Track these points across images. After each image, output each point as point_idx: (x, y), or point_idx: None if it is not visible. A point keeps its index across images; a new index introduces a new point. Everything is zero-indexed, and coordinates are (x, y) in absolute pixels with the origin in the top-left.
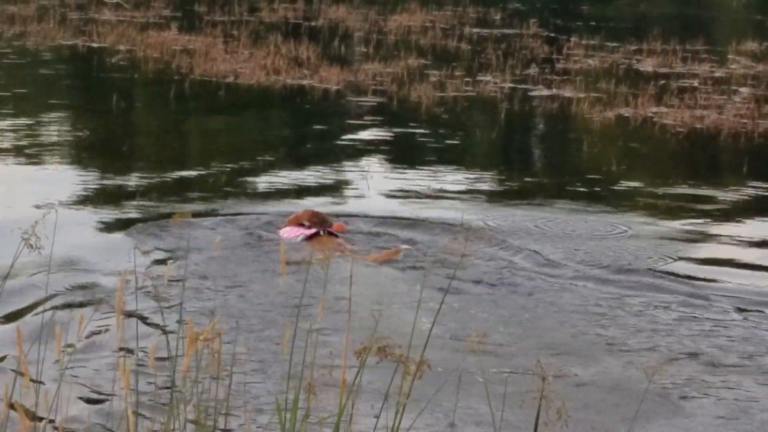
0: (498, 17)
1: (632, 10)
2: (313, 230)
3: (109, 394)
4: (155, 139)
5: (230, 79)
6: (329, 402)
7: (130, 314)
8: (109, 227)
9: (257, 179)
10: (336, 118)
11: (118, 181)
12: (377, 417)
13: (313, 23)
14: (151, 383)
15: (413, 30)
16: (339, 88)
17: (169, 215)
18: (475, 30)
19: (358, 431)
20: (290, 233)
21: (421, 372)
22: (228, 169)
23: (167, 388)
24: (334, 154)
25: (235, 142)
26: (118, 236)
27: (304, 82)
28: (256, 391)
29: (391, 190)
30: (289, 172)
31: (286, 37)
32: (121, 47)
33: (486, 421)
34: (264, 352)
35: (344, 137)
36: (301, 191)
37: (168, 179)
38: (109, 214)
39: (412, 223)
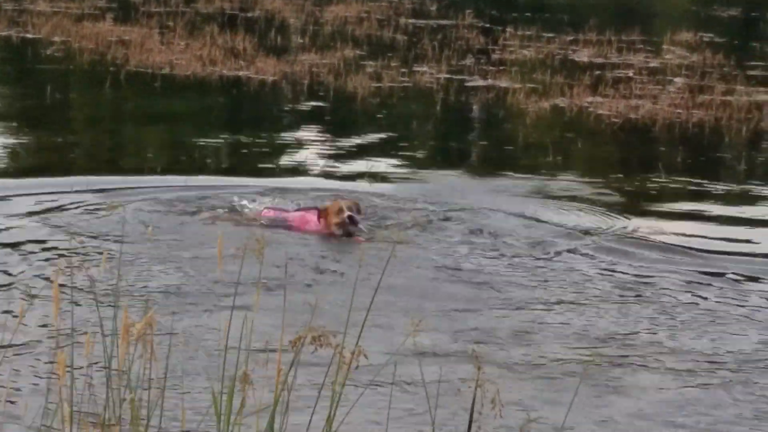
0: (434, 8)
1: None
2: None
3: (44, 387)
4: (90, 130)
5: (166, 70)
6: (266, 391)
7: (66, 302)
8: (45, 216)
9: (193, 168)
10: (272, 108)
11: (54, 170)
12: (313, 407)
13: (249, 14)
14: (86, 374)
15: (349, 21)
16: (275, 79)
17: (103, 204)
18: (410, 21)
19: (293, 421)
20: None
21: (357, 362)
22: (163, 158)
23: (102, 379)
24: (270, 144)
25: (170, 132)
26: (53, 225)
27: (241, 73)
28: (192, 381)
29: (329, 178)
30: (224, 163)
31: (223, 28)
32: (56, 38)
33: (422, 411)
34: (201, 340)
35: (280, 127)
36: (237, 178)
37: (103, 168)
38: (45, 202)
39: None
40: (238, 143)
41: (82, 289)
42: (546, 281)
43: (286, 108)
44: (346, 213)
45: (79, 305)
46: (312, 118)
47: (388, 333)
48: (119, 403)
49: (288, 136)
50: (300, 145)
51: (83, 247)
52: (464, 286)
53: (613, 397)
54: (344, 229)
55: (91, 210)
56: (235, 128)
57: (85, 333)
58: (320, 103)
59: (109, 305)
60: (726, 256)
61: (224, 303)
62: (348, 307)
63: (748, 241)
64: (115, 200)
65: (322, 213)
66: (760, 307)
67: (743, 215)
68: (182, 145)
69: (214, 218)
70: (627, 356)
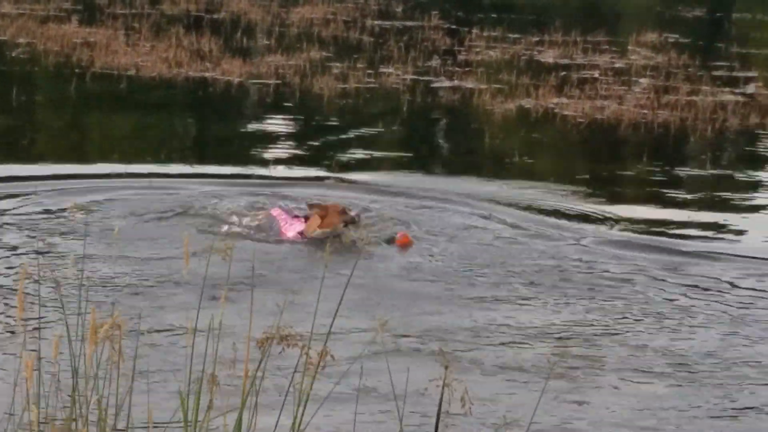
0: (400, 9)
1: (534, 1)
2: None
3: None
4: (55, 132)
5: (131, 72)
6: (233, 392)
7: (31, 304)
8: (8, 218)
9: (160, 170)
10: (238, 110)
11: (17, 171)
12: (281, 408)
13: (215, 15)
14: (54, 376)
15: (315, 22)
16: (241, 81)
17: (67, 205)
18: (377, 22)
19: (261, 423)
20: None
21: (324, 362)
22: (129, 160)
23: (69, 381)
24: (235, 145)
25: (136, 134)
26: (18, 227)
27: (207, 74)
28: (160, 382)
29: (295, 179)
30: (189, 163)
31: (188, 29)
32: (21, 40)
33: (389, 411)
34: (168, 341)
35: (246, 128)
36: (205, 179)
37: (68, 170)
38: (9, 204)
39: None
40: (203, 144)
41: (48, 291)
42: (513, 279)
43: (251, 109)
44: (352, 212)
45: (45, 307)
46: (278, 119)
47: (355, 333)
48: (86, 405)
49: (253, 137)
50: (266, 146)
51: (48, 248)
52: (430, 285)
53: (581, 395)
54: (346, 227)
55: (55, 211)
56: (200, 129)
57: (52, 335)
58: (286, 104)
59: (76, 306)
60: (692, 254)
61: (191, 303)
62: (315, 308)
63: (713, 240)
64: (80, 201)
65: (312, 219)
66: (730, 304)
67: (709, 214)
68: (147, 146)
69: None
70: (594, 354)
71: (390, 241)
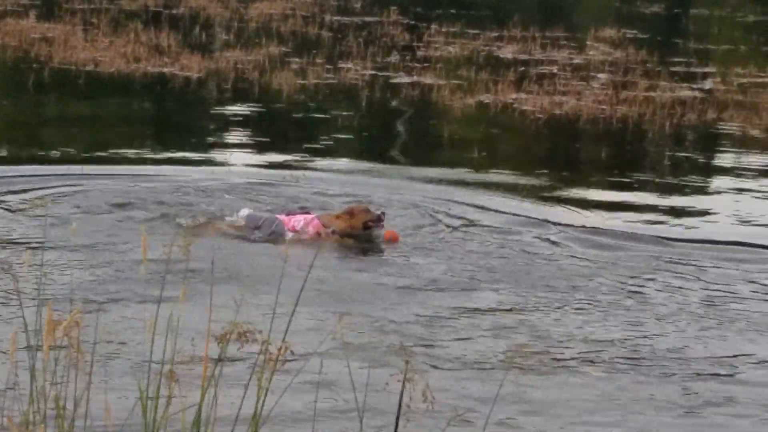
0: (359, 5)
1: None
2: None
3: None
4: (12, 127)
5: (90, 67)
6: (193, 387)
7: None
8: None
9: (117, 166)
10: (197, 104)
11: None
12: (240, 402)
13: (173, 11)
14: (11, 373)
15: (274, 18)
16: (200, 76)
17: (25, 202)
18: (336, 17)
19: (221, 416)
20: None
21: (284, 357)
22: (87, 155)
23: (27, 378)
24: (195, 140)
25: (94, 128)
26: None
27: (165, 69)
28: (119, 378)
29: (255, 175)
30: (148, 155)
31: (147, 25)
32: None
33: (350, 408)
34: (127, 337)
35: (205, 124)
36: (162, 175)
37: (26, 165)
38: None
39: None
40: (162, 139)
41: (5, 290)
42: (473, 273)
43: (210, 104)
44: (378, 211)
45: (2, 304)
46: (237, 114)
47: (314, 328)
48: (44, 401)
49: (213, 132)
50: (225, 141)
51: (4, 246)
52: (390, 280)
53: (540, 388)
54: (371, 228)
55: (12, 209)
56: (158, 124)
57: (10, 332)
58: (245, 100)
59: (34, 304)
60: (653, 245)
61: (150, 299)
62: (274, 303)
63: (670, 228)
64: (37, 198)
65: (339, 217)
66: (693, 294)
67: (667, 205)
68: (106, 141)
69: (196, 227)
70: (553, 347)
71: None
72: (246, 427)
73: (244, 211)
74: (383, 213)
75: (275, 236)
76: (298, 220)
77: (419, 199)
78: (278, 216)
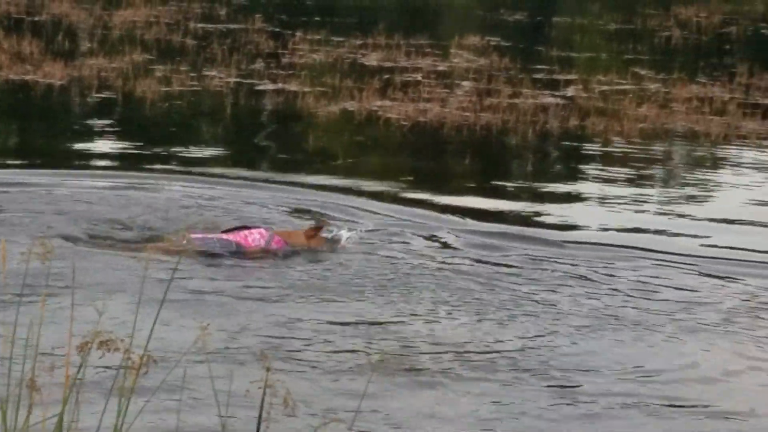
0: (223, 12)
1: (358, 3)
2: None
3: None
4: None
5: None
6: (53, 398)
7: None
8: None
9: None
10: (60, 112)
11: None
12: (102, 413)
13: (36, 18)
14: None
15: (138, 25)
16: (63, 84)
17: None
18: (200, 25)
19: (83, 427)
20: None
21: (146, 367)
22: None
23: None
24: (57, 148)
25: None
26: None
27: (28, 77)
28: None
29: (118, 187)
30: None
31: (8, 31)
32: None
33: (212, 413)
34: None
35: (67, 131)
36: (21, 187)
37: None
38: None
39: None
40: (23, 146)
41: None
42: (342, 278)
43: (73, 112)
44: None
45: None
46: (100, 122)
47: (177, 336)
48: None
49: (75, 140)
50: (88, 149)
51: None
52: (253, 286)
53: (405, 396)
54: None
55: None
56: (20, 132)
57: None
58: (109, 108)
59: None
60: (527, 244)
61: (9, 308)
62: (136, 311)
63: (539, 230)
64: None
65: (296, 234)
66: (569, 296)
67: (535, 211)
68: None
69: (138, 249)
70: (421, 351)
71: (335, 242)
72: None
73: (195, 234)
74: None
75: (239, 256)
76: (255, 237)
77: (286, 209)
78: (228, 237)
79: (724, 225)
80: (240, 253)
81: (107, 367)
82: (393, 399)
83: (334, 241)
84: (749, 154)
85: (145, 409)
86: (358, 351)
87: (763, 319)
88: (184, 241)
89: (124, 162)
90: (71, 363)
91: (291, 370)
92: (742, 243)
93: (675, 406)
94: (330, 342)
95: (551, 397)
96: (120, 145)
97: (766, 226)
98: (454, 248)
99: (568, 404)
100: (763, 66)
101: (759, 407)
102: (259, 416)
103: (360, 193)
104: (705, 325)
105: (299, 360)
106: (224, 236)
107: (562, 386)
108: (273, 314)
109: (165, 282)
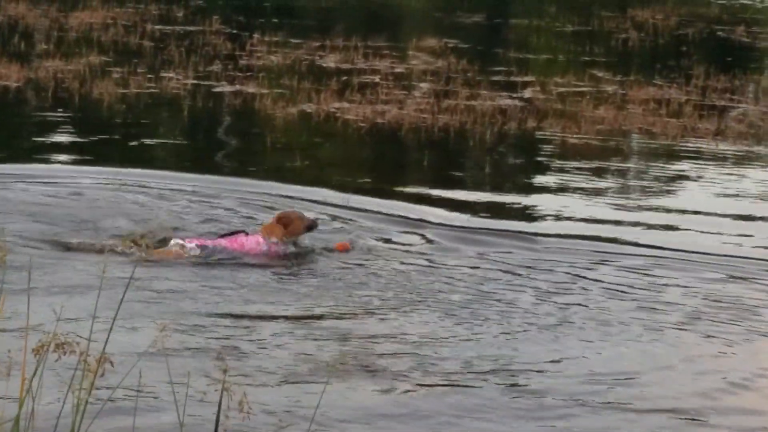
0: (180, 14)
1: (315, 4)
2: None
3: None
4: None
5: None
6: (10, 401)
7: None
8: None
9: None
10: (15, 115)
11: None
12: (58, 415)
13: None
14: None
15: (95, 27)
16: (19, 86)
17: None
18: (157, 27)
19: (40, 427)
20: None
21: (103, 369)
22: None
23: None
24: (13, 151)
25: None
26: None
27: None
28: None
29: (75, 191)
30: None
31: None
32: None
33: (169, 416)
34: None
35: (23, 134)
36: None
37: None
38: None
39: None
40: None
41: None
42: (300, 279)
43: (30, 114)
44: (311, 218)
45: None
46: (57, 124)
47: (134, 339)
48: None
49: (31, 142)
50: (45, 152)
51: None
52: (212, 287)
53: (364, 395)
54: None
55: None
56: None
57: None
58: (65, 110)
59: None
60: (488, 234)
61: None
62: (93, 314)
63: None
64: None
65: (271, 228)
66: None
67: (489, 209)
68: None
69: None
70: (377, 352)
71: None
72: None
73: (192, 243)
74: (316, 220)
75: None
76: (242, 242)
77: (243, 212)
78: (227, 243)
79: (683, 217)
80: (237, 257)
81: (65, 369)
82: (351, 400)
83: (310, 227)
84: (706, 154)
85: (102, 410)
86: (317, 352)
87: (724, 315)
88: (185, 251)
89: (80, 162)
90: (28, 365)
91: (250, 372)
92: (700, 239)
93: (638, 406)
94: (289, 343)
95: (511, 397)
96: (76, 146)
97: (726, 218)
98: (414, 247)
99: (527, 404)
100: (719, 68)
101: (718, 405)
102: (217, 418)
103: (315, 194)
104: (668, 323)
105: (258, 361)
106: (224, 242)
107: (515, 384)
108: (232, 316)
109: (123, 283)
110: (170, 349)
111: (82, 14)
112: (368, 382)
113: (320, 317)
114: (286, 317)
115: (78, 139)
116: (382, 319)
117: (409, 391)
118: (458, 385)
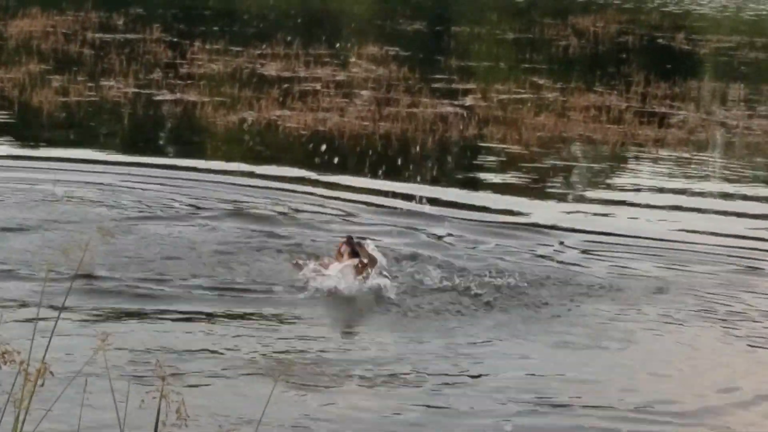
0: (121, 22)
1: (257, 13)
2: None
3: None
4: None
5: None
6: None
7: None
8: None
9: None
10: None
11: None
12: None
13: None
14: None
15: (35, 35)
16: None
17: None
18: (97, 35)
19: None
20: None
21: (43, 379)
22: None
23: None
24: None
25: None
26: None
27: None
28: None
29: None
30: None
31: None
32: None
33: (109, 425)
34: None
35: None
36: None
37: None
38: None
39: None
40: None
41: None
42: (245, 285)
43: None
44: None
45: None
46: None
47: (75, 348)
48: None
49: None
50: None
51: None
52: (155, 297)
53: (309, 401)
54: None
55: None
56: None
57: None
58: (4, 118)
59: None
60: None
61: None
62: (34, 325)
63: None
64: None
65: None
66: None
67: (432, 214)
68: None
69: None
70: (330, 357)
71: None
72: None
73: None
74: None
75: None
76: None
77: (188, 221)
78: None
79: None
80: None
81: (4, 379)
82: (296, 406)
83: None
84: (644, 159)
85: (43, 420)
86: (262, 359)
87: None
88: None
89: (19, 170)
90: None
91: (192, 381)
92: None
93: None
94: (233, 350)
95: (463, 401)
96: (15, 153)
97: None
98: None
99: (483, 405)
100: (659, 75)
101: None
102: (156, 426)
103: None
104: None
105: (200, 369)
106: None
107: (460, 386)
108: (175, 324)
109: (63, 294)
110: (111, 358)
111: (22, 22)
112: (314, 387)
113: (264, 323)
114: (230, 323)
115: (15, 146)
116: (327, 324)
117: (355, 395)
118: (403, 386)
